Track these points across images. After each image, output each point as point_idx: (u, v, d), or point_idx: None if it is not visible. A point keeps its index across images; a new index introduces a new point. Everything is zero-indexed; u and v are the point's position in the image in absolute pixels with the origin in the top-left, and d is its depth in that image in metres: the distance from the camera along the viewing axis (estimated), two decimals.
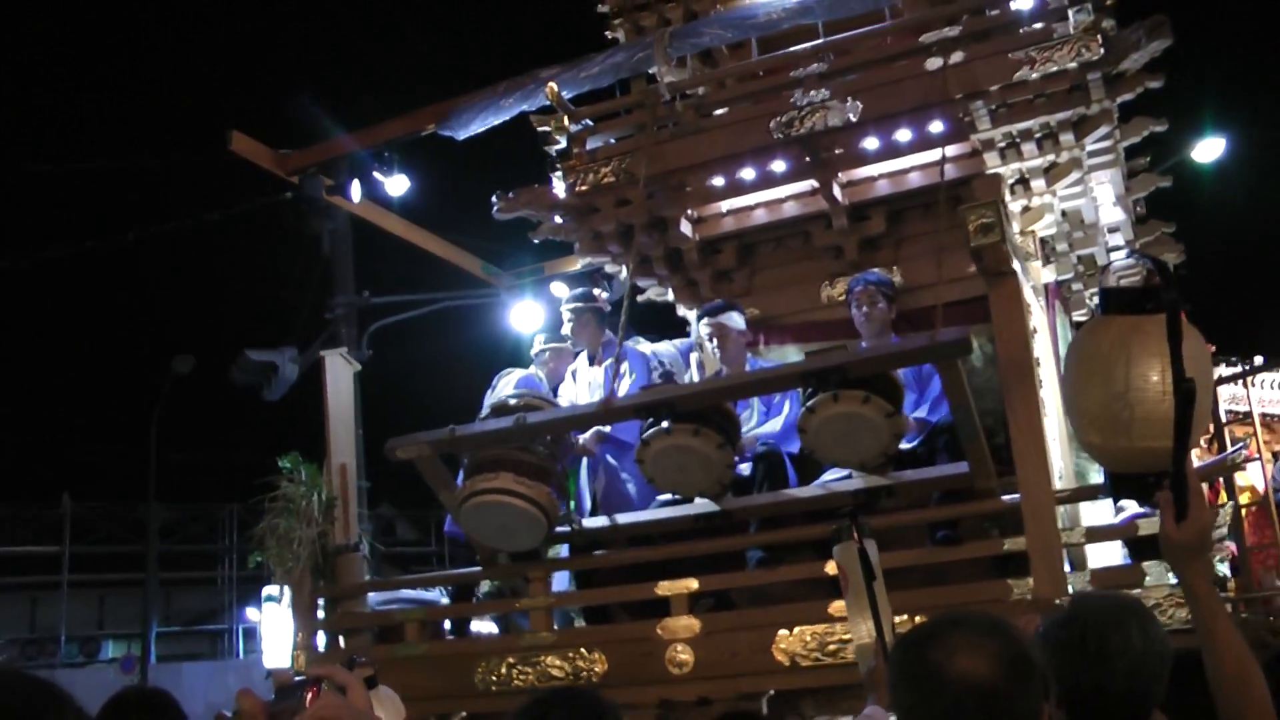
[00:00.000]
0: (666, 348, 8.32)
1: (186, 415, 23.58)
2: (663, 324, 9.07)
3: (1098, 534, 6.20)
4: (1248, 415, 11.85)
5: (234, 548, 25.81)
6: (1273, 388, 13.28)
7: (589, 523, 7.15)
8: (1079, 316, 9.04)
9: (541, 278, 13.85)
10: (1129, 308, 3.15)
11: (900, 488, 6.18)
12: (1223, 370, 12.88)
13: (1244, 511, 11.67)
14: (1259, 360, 12.83)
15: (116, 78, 36.51)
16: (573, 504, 7.70)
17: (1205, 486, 11.92)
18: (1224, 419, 11.78)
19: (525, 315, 13.09)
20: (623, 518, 7.05)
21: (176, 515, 25.75)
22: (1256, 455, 11.74)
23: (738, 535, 6.80)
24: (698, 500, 6.65)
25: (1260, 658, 2.75)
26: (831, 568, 6.05)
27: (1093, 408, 3.27)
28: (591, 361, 8.30)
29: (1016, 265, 6.09)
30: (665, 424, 6.21)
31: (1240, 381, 12.23)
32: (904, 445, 6.56)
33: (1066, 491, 6.34)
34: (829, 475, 6.56)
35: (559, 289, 9.14)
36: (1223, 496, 11.63)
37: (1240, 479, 12.41)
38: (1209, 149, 15.44)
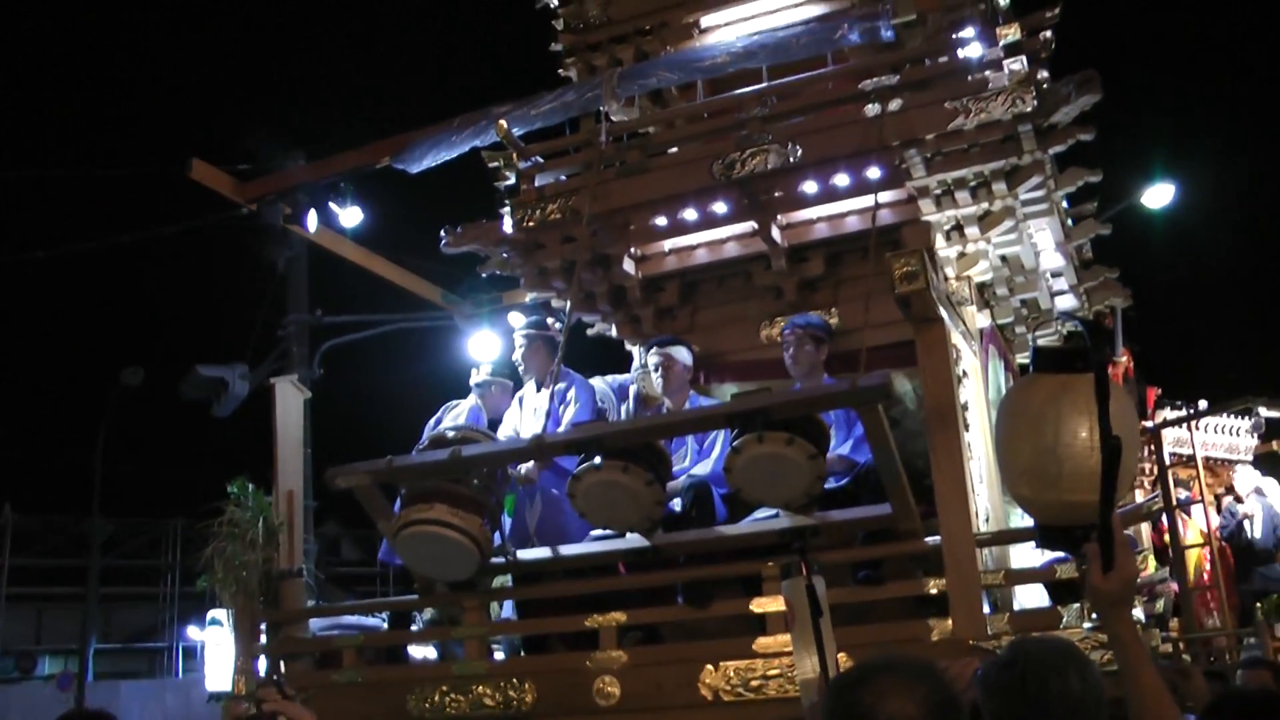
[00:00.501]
0: (599, 383, 8.44)
1: (134, 428, 23.40)
2: (615, 357, 9.17)
3: (1017, 577, 6.32)
4: (1192, 458, 12.06)
5: (177, 564, 25.57)
6: (1216, 432, 13.47)
7: (524, 554, 7.22)
8: (1023, 359, 9.18)
9: (499, 307, 13.92)
10: (1059, 366, 3.26)
11: (825, 527, 6.28)
12: (1167, 414, 13.11)
13: (1188, 554, 11.90)
14: (1203, 404, 13.04)
15: (80, 90, 36.44)
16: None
17: (1148, 528, 12.17)
18: (1168, 461, 12.00)
19: (482, 344, 13.15)
20: (554, 550, 7.13)
21: (120, 529, 25.42)
22: (1199, 498, 11.94)
23: (667, 570, 6.89)
24: (630, 535, 6.75)
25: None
26: (757, 605, 6.22)
27: (1023, 462, 3.36)
28: (539, 388, 8.40)
29: (944, 311, 6.23)
30: (596, 459, 6.30)
31: (1184, 425, 12.46)
32: (831, 485, 6.70)
33: (988, 535, 6.45)
34: (759, 513, 6.67)
35: (516, 319, 9.22)
36: (1176, 536, 11.82)
37: (1189, 522, 12.63)
38: (1158, 195, 15.59)
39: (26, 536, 24.85)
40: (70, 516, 24.54)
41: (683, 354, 7.74)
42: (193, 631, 22.62)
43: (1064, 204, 8.12)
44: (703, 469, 7.25)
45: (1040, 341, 8.66)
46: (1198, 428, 12.63)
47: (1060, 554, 6.33)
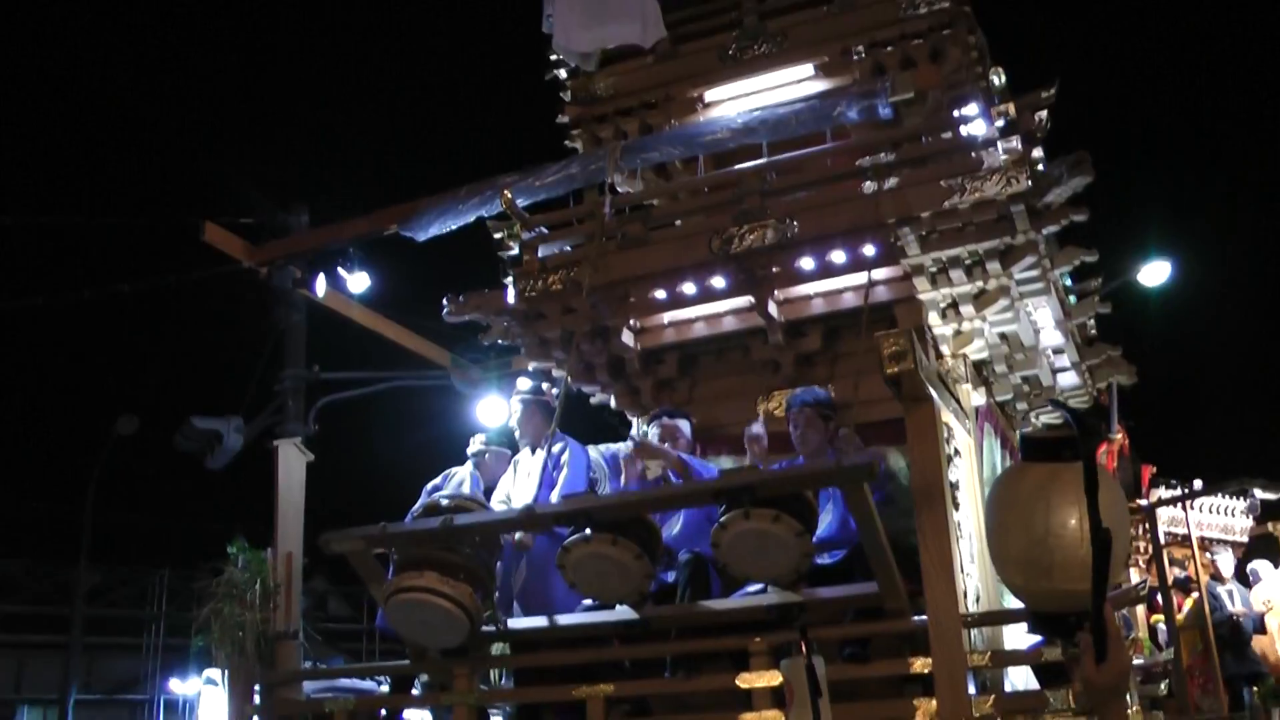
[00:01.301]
0: (593, 453, 8.48)
1: (125, 477, 23.40)
2: (617, 425, 9.22)
3: (1003, 658, 6.32)
4: (1186, 538, 12.05)
5: (163, 615, 25.39)
6: (1211, 512, 13.45)
7: (514, 623, 7.24)
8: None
9: (508, 372, 13.97)
10: (1047, 455, 3.28)
11: (812, 604, 6.29)
12: (1163, 493, 13.11)
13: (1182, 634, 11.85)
14: (1198, 484, 13.03)
15: (83, 138, 36.72)
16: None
17: (1143, 607, 12.12)
18: (1163, 541, 11.98)
19: (490, 409, 13.19)
20: (544, 621, 7.15)
21: (105, 578, 25.21)
22: (1195, 577, 11.92)
23: (657, 642, 6.90)
24: (620, 607, 6.77)
25: None
26: (744, 680, 6.22)
27: (1015, 551, 3.36)
28: (533, 451, 8.45)
29: (935, 391, 6.25)
30: (586, 532, 6.34)
31: (1180, 505, 12.45)
32: (825, 560, 6.72)
33: (974, 615, 6.45)
34: (750, 588, 6.68)
35: (524, 383, 9.28)
36: (1171, 616, 11.80)
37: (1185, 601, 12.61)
38: (1154, 272, 15.64)
39: (10, 583, 24.60)
40: (56, 564, 24.37)
41: (684, 427, 7.79)
42: (175, 684, 22.42)
43: (1066, 281, 8.19)
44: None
45: (1029, 429, 8.70)
46: (1193, 507, 12.63)
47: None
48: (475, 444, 8.97)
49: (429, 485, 8.70)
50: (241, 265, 11.48)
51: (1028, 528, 3.24)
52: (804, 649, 3.95)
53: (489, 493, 8.45)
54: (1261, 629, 12.57)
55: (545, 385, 8.64)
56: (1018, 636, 7.21)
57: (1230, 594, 12.64)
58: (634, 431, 8.52)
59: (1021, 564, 3.32)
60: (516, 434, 8.65)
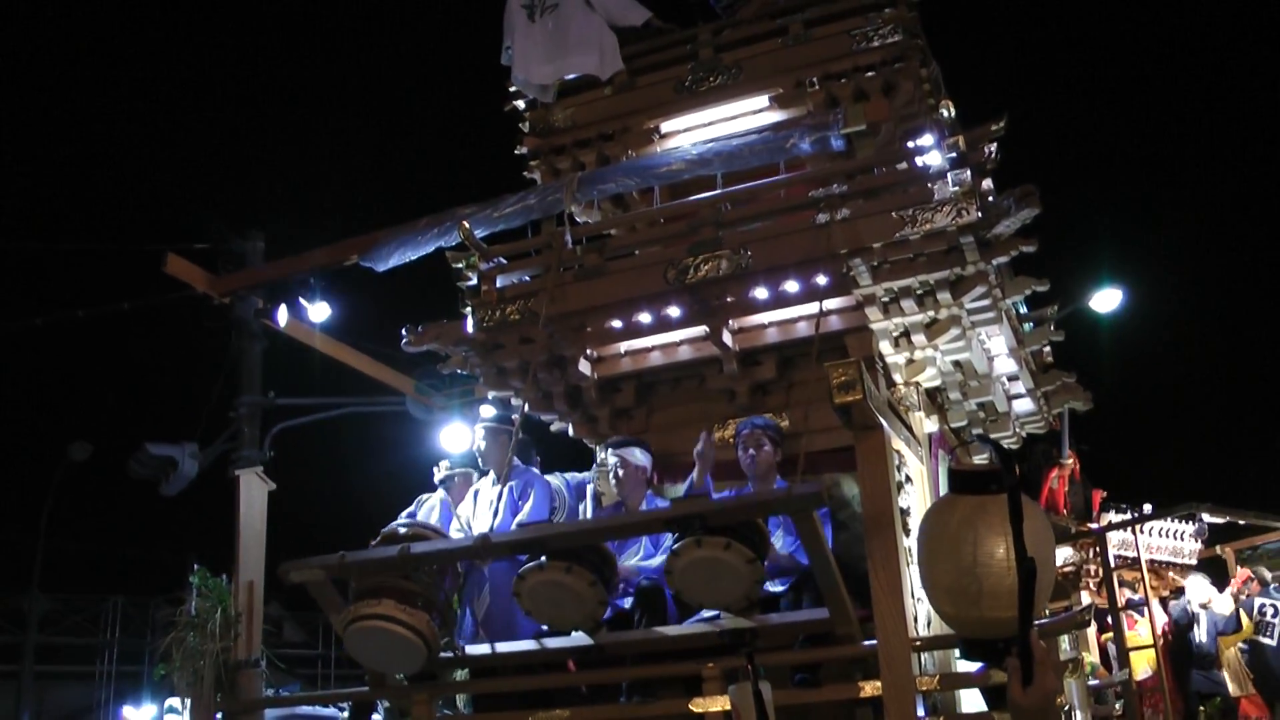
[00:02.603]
0: (555, 480, 8.56)
1: (78, 504, 23.31)
2: (581, 452, 9.27)
3: (951, 681, 6.42)
4: (1136, 560, 12.21)
5: (115, 642, 25.21)
6: (1161, 535, 13.64)
7: (471, 649, 7.31)
8: (981, 460, 9.30)
9: (470, 400, 14.02)
10: (974, 488, 3.37)
11: (764, 630, 6.38)
12: (1113, 516, 13.28)
13: (1133, 655, 12.01)
14: (1148, 508, 13.21)
15: (37, 164, 36.58)
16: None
17: (1094, 629, 12.27)
18: (1113, 564, 12.15)
19: (453, 436, 13.24)
20: (500, 647, 7.22)
21: (57, 606, 24.98)
22: (1145, 599, 12.08)
23: (613, 668, 6.98)
24: (576, 633, 6.85)
25: None
26: (696, 705, 6.30)
27: (944, 580, 3.44)
28: (495, 481, 8.52)
29: (884, 419, 6.36)
30: (541, 559, 6.42)
31: (1129, 528, 12.61)
32: (776, 588, 6.82)
33: (923, 639, 6.54)
34: (704, 613, 6.77)
35: (487, 410, 9.35)
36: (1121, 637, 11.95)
37: (1137, 622, 12.77)
38: (1106, 299, 15.85)
39: None
40: (7, 591, 24.16)
41: (637, 455, 7.86)
42: (129, 712, 22.30)
43: (1021, 308, 8.31)
44: (653, 563, 7.35)
45: (954, 463, 8.82)
46: (1142, 531, 12.80)
47: None
48: (442, 470, 9.05)
49: (405, 512, 8.76)
50: (197, 294, 11.51)
51: (956, 557, 3.34)
52: (750, 674, 4.04)
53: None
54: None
55: (511, 415, 8.73)
56: (966, 660, 7.32)
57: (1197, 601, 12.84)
58: (597, 459, 8.58)
59: (951, 592, 3.41)
60: (481, 461, 8.72)
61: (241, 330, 12.83)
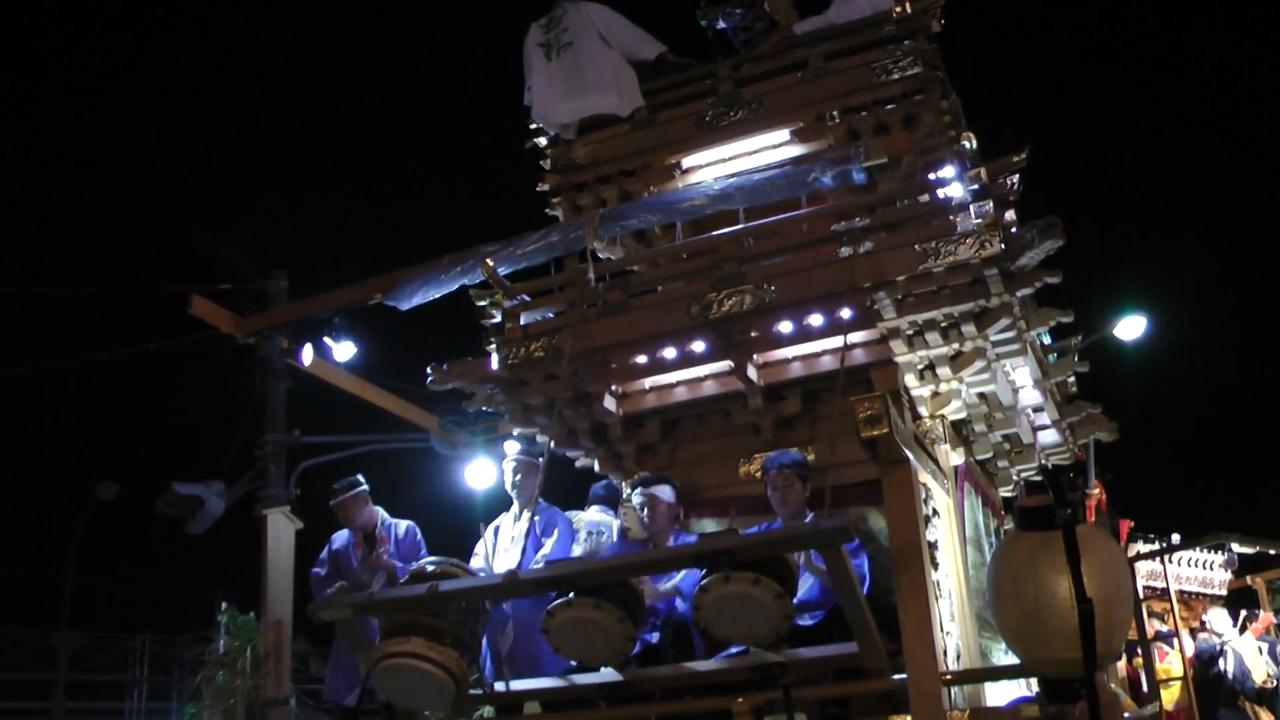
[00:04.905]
0: (578, 521, 8.55)
1: (105, 542, 23.34)
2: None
3: (982, 716, 6.39)
4: (1165, 591, 12.12)
5: (144, 679, 25.21)
6: (1190, 565, 13.54)
7: (500, 687, 7.30)
8: (1006, 492, 9.29)
9: (494, 436, 14.05)
10: (1035, 524, 3.30)
11: (794, 665, 6.35)
12: (1140, 547, 13.18)
13: (1163, 687, 11.93)
14: (1176, 538, 13.11)
15: (59, 205, 36.78)
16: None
17: (1123, 661, 12.17)
18: (1141, 595, 12.06)
19: (479, 472, 13.27)
20: (530, 684, 7.21)
21: (86, 644, 25.01)
22: (1175, 631, 11.99)
23: (641, 704, 6.96)
24: (604, 669, 6.84)
25: None
26: None
27: (1011, 622, 3.41)
28: (518, 518, 8.53)
29: (911, 453, 6.36)
30: (570, 596, 6.42)
31: (1158, 559, 12.53)
32: (806, 622, 6.80)
33: (953, 673, 6.52)
34: (733, 649, 6.76)
35: (511, 446, 9.36)
36: (1151, 669, 11.87)
37: (1166, 654, 12.68)
38: (1130, 327, 15.80)
39: None
40: (36, 630, 24.21)
41: (665, 492, 7.86)
42: None
43: (1045, 340, 8.30)
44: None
45: (1017, 497, 8.78)
46: (1171, 561, 12.71)
47: (1026, 694, 6.45)
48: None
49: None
50: (222, 334, 11.61)
51: (1019, 598, 3.30)
52: (786, 707, 4.03)
53: None
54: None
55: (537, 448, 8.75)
56: (999, 693, 7.29)
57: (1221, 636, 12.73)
58: (623, 496, 8.57)
59: (1019, 634, 3.37)
60: (512, 496, 8.74)
61: (266, 370, 12.90)
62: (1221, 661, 12.65)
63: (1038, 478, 9.20)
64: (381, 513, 9.92)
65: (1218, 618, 13.15)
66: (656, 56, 9.33)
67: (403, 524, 9.94)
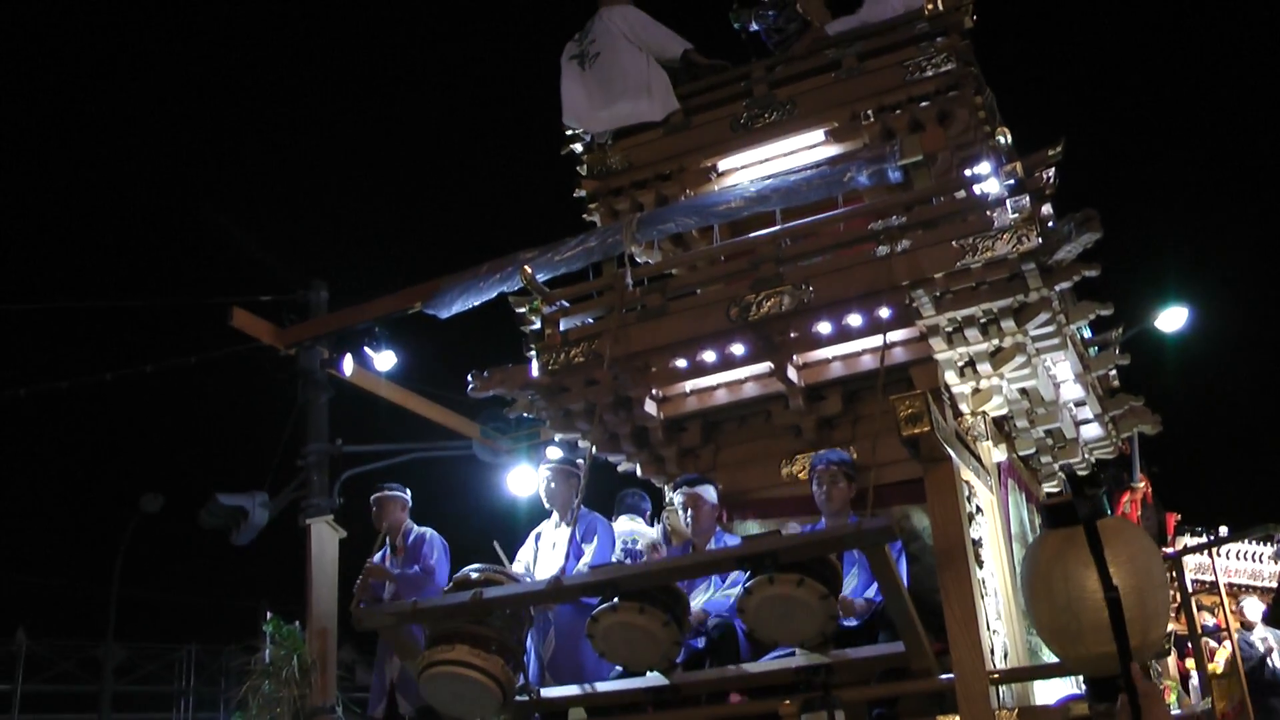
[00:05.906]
0: (633, 525, 8.55)
1: (150, 554, 23.54)
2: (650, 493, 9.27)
3: (1031, 714, 6.36)
4: (1214, 585, 12.00)
5: (190, 690, 25.33)
6: (1238, 558, 13.40)
7: (546, 693, 7.32)
8: (1050, 488, 9.23)
9: (536, 442, 14.09)
10: (1060, 521, 3.29)
11: (840, 666, 6.34)
12: (1188, 540, 13.07)
13: (1215, 682, 11.82)
14: (1224, 530, 12.98)
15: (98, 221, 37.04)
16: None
17: (1173, 657, 12.07)
18: (1190, 589, 11.95)
19: (520, 479, 13.31)
20: (577, 690, 7.22)
21: (132, 655, 25.14)
22: (1224, 625, 11.85)
23: (688, 708, 6.96)
24: (650, 674, 6.84)
25: None
26: None
27: (1045, 621, 3.38)
28: (558, 524, 8.54)
29: (953, 450, 6.33)
30: (614, 600, 6.43)
31: (1206, 552, 12.41)
32: (850, 623, 6.78)
33: (1000, 672, 6.48)
34: (778, 650, 6.75)
35: (554, 453, 9.39)
36: (1202, 664, 11.78)
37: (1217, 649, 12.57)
38: (1172, 318, 15.67)
39: (37, 661, 24.49)
40: (83, 641, 24.38)
41: (708, 492, 7.85)
42: None
43: (1085, 334, 8.25)
44: (720, 597, 7.34)
45: (1050, 489, 8.72)
46: (1219, 554, 12.58)
47: (1076, 692, 6.42)
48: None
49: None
50: (263, 345, 11.68)
51: (1051, 595, 3.26)
52: (826, 705, 4.02)
53: None
54: None
55: (574, 457, 8.75)
56: (1047, 691, 7.25)
57: (1264, 640, 12.59)
58: (665, 499, 8.58)
59: (1054, 632, 3.33)
60: (545, 502, 8.74)
61: (308, 380, 12.96)
62: (1271, 658, 12.49)
63: (1083, 471, 9.14)
64: (409, 523, 9.92)
65: (1251, 607, 13.00)
66: (682, 54, 9.32)
67: (424, 531, 9.93)
